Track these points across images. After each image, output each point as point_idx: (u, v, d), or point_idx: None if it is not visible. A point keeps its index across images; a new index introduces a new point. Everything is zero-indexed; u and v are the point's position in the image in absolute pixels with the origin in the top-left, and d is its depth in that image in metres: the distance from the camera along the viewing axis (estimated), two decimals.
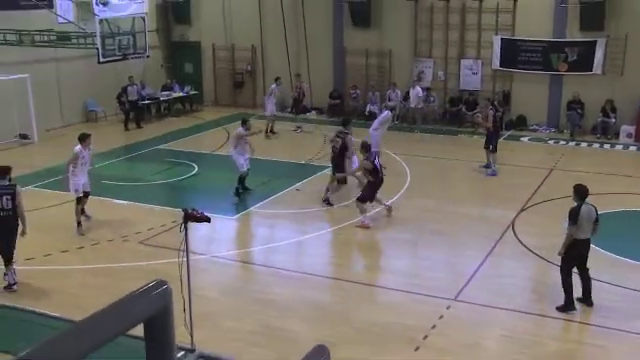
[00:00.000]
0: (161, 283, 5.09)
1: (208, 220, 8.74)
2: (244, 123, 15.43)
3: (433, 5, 22.59)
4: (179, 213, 8.75)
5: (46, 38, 20.27)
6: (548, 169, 17.50)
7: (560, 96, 21.76)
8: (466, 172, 17.61)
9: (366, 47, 23.73)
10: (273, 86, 21.85)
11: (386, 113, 17.97)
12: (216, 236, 13.22)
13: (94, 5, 18.77)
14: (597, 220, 9.84)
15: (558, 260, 11.54)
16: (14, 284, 10.69)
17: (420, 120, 22.15)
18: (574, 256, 9.87)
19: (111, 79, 23.13)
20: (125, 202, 15.16)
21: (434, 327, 9.55)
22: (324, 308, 10.29)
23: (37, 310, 9.79)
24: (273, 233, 13.79)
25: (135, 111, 22.74)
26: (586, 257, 9.94)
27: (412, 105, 22.05)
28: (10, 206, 10.42)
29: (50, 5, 20.99)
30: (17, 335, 9.17)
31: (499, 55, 22.03)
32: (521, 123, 22.17)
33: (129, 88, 22.60)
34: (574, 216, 9.67)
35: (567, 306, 9.91)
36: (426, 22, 22.90)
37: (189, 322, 8.42)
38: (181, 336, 7.63)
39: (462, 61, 22.72)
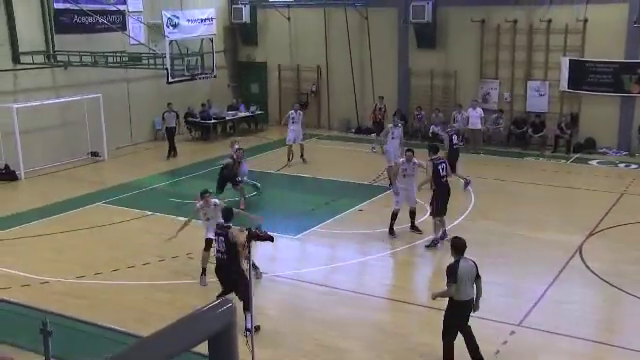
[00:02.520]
0: (226, 301, 5.16)
1: (271, 239, 8.85)
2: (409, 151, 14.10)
3: (500, 26, 22.37)
4: (243, 232, 8.86)
5: (118, 59, 20.96)
6: (618, 193, 16.98)
7: (632, 118, 21.15)
8: (532, 195, 17.25)
9: (431, 68, 23.64)
10: (291, 112, 20.43)
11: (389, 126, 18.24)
12: (279, 255, 13.32)
13: (165, 27, 19.28)
14: (479, 276, 8.82)
15: (628, 287, 11.24)
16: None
17: (481, 141, 21.90)
18: (457, 320, 8.86)
19: (178, 99, 23.70)
20: None
21: (497, 352, 9.36)
22: (384, 330, 10.22)
23: (104, 324, 10.03)
24: (335, 253, 13.79)
25: (171, 139, 21.79)
26: (468, 317, 8.91)
27: (471, 127, 21.79)
28: (224, 248, 9.96)
29: (123, 28, 21.77)
30: (85, 348, 9.41)
31: (567, 76, 21.59)
32: (590, 146, 21.61)
33: (166, 114, 21.94)
34: (453, 274, 8.62)
35: None
36: (492, 43, 22.68)
37: (251, 340, 8.49)
38: (242, 354, 7.70)
39: (529, 82, 22.37)
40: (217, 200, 12.10)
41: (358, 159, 21.49)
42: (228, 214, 10.35)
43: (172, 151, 21.84)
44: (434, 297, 9.12)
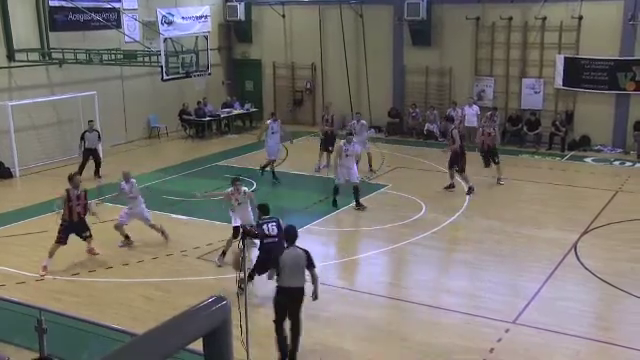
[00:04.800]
0: (220, 299, 5.14)
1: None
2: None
3: (495, 23, 22.38)
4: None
5: (113, 57, 20.93)
6: (613, 191, 17.01)
7: (627, 116, 21.19)
8: (527, 193, 17.27)
9: (426, 65, 23.65)
10: (269, 121, 18.49)
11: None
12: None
13: (159, 24, 19.25)
14: (312, 265, 8.86)
15: (624, 285, 11.26)
16: None
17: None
18: (280, 305, 8.95)
19: (173, 96, 23.67)
20: (184, 217, 15.42)
21: (492, 350, 9.37)
22: (380, 328, 10.22)
23: (98, 322, 10.00)
24: (329, 251, 13.78)
25: (94, 158, 19.03)
26: (296, 308, 8.88)
27: (468, 124, 21.81)
28: (276, 232, 10.74)
29: (118, 25, 21.73)
30: (79, 346, 9.40)
31: (562, 74, 21.63)
32: (585, 143, 21.65)
33: (87, 134, 18.84)
34: (275, 259, 9.01)
35: None
36: (487, 40, 22.69)
37: (245, 338, 8.48)
38: (237, 352, 7.69)
39: (524, 80, 22.39)
40: (246, 188, 12.89)
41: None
42: (267, 208, 11.09)
43: (95, 171, 19.10)
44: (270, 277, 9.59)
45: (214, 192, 13.90)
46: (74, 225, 12.62)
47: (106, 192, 16.76)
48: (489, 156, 17.58)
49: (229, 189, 12.69)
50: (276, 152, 18.26)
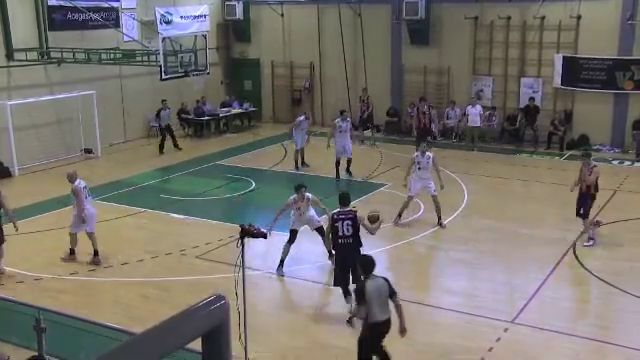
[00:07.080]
0: (220, 297, 5.14)
1: (264, 236, 8.82)
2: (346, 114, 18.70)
3: (493, 22, 22.37)
4: (236, 228, 8.85)
5: (112, 56, 20.92)
6: (612, 190, 16.99)
7: (625, 115, 21.19)
8: (525, 192, 17.29)
9: (424, 64, 23.65)
10: (302, 118, 19.50)
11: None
12: (272, 252, 13.27)
13: (158, 24, 19.25)
14: (394, 293, 8.27)
15: (622, 284, 11.27)
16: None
17: (477, 139, 21.95)
18: (375, 339, 8.40)
19: (172, 95, 23.64)
20: (183, 216, 15.42)
21: (491, 350, 9.38)
22: None
23: (97, 321, 10.01)
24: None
25: (169, 134, 22.03)
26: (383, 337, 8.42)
27: (471, 124, 21.83)
28: (351, 232, 10.10)
29: (117, 24, 21.71)
30: (76, 345, 9.39)
31: (560, 73, 21.62)
32: (583, 142, 21.63)
33: (162, 112, 21.92)
34: (360, 296, 8.15)
35: None
36: (486, 39, 22.69)
37: (244, 337, 8.47)
38: (235, 350, 7.68)
39: (522, 79, 22.39)
40: (310, 194, 12.11)
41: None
42: (347, 199, 10.52)
43: (173, 145, 22.07)
44: (352, 315, 9.00)
45: (277, 216, 12.12)
46: None
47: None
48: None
49: (292, 197, 11.98)
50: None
